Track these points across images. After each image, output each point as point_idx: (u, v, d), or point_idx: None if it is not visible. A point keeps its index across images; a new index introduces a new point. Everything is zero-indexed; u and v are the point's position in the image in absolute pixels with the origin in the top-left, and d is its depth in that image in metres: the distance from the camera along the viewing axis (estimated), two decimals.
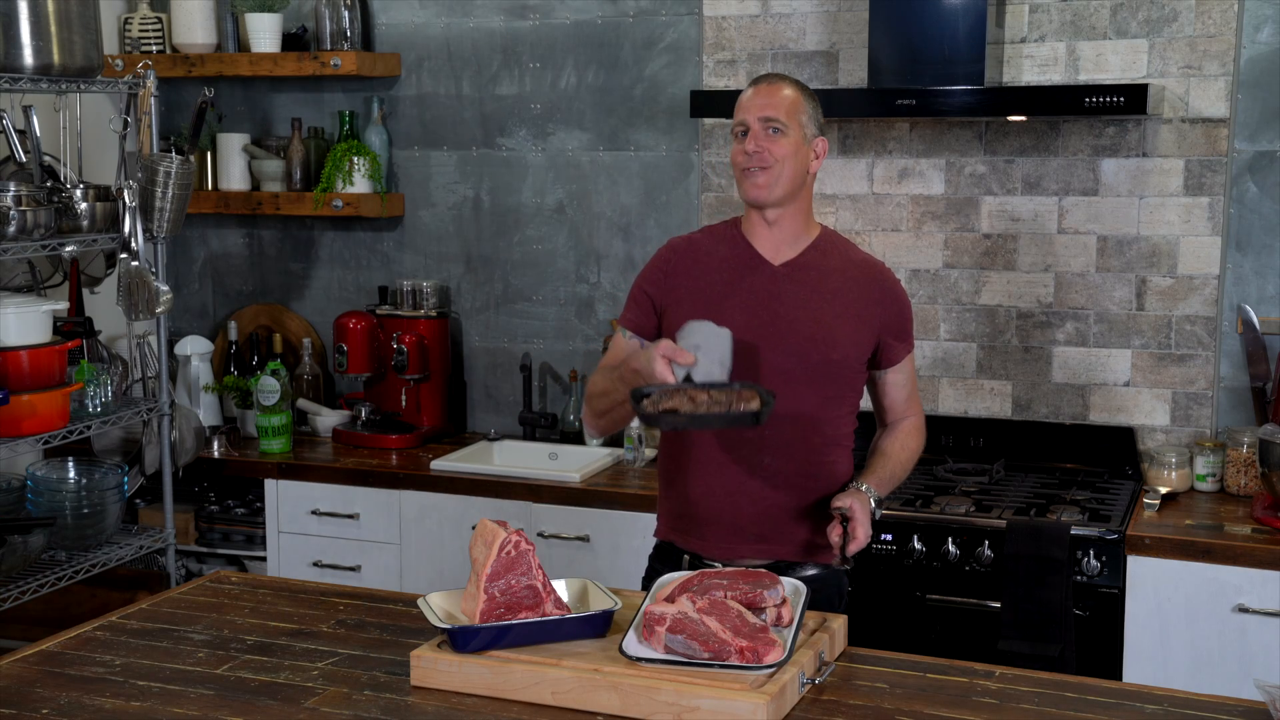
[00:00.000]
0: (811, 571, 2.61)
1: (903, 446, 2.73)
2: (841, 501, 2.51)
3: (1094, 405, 3.78)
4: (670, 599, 2.19)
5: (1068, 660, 3.16)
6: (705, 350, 2.42)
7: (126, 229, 3.54)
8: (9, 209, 3.28)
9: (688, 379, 2.39)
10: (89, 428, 3.53)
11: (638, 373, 2.46)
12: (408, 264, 4.45)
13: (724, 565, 2.55)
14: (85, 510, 3.54)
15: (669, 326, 2.62)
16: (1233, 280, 3.63)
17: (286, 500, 4.02)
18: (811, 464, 2.61)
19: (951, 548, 3.32)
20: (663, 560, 2.69)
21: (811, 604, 2.53)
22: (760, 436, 2.56)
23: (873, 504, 2.55)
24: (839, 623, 2.30)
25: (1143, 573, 3.21)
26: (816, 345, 2.57)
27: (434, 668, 2.13)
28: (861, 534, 2.49)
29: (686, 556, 2.63)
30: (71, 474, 3.59)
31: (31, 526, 3.35)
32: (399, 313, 4.25)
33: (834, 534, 2.50)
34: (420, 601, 2.24)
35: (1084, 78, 3.68)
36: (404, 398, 4.22)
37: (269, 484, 4.03)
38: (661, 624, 2.08)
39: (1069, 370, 3.79)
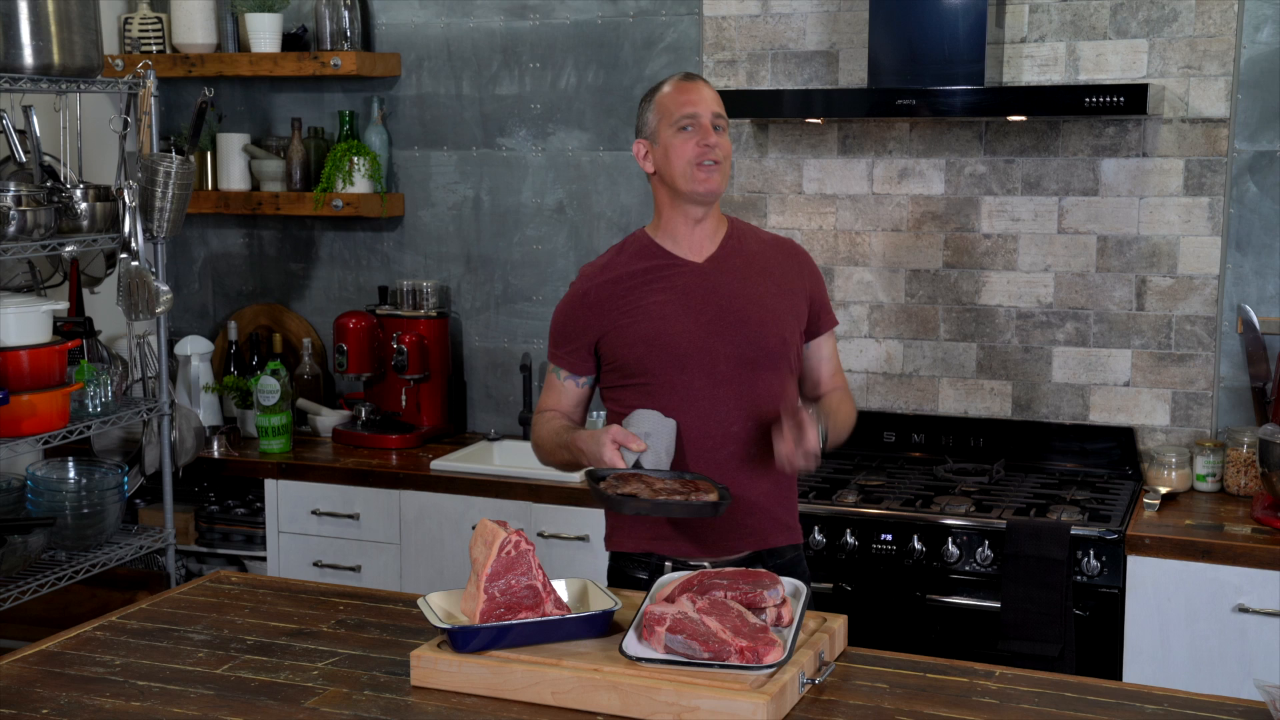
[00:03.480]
0: (790, 555, 2.66)
1: (839, 405, 2.72)
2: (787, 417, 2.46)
3: (1094, 405, 3.78)
4: (670, 599, 2.19)
5: (1068, 660, 3.16)
6: (654, 438, 2.48)
7: (126, 229, 3.54)
8: (9, 209, 3.28)
9: (636, 465, 2.44)
10: (89, 428, 3.53)
11: (584, 453, 2.50)
12: (408, 264, 4.45)
13: (711, 565, 2.55)
14: (85, 510, 3.54)
15: (611, 351, 2.61)
16: (1233, 280, 3.63)
17: (286, 500, 4.03)
18: None
19: (951, 548, 3.32)
20: (630, 572, 2.64)
21: (784, 575, 2.56)
22: (744, 430, 2.58)
23: (820, 424, 2.50)
24: (839, 623, 2.30)
25: (1143, 573, 3.21)
26: (770, 329, 2.60)
27: (434, 668, 2.13)
28: (812, 438, 2.42)
29: (669, 564, 2.60)
30: (71, 474, 3.59)
31: (31, 526, 3.35)
32: (399, 313, 4.25)
33: (785, 446, 2.43)
34: (420, 601, 2.24)
35: (1084, 78, 3.68)
36: (404, 398, 4.22)
37: (269, 484, 4.03)
38: (661, 624, 2.08)
39: (1069, 370, 3.79)
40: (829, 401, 2.74)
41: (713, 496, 2.37)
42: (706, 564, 2.57)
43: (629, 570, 2.66)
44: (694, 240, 2.63)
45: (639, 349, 2.59)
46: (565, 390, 2.69)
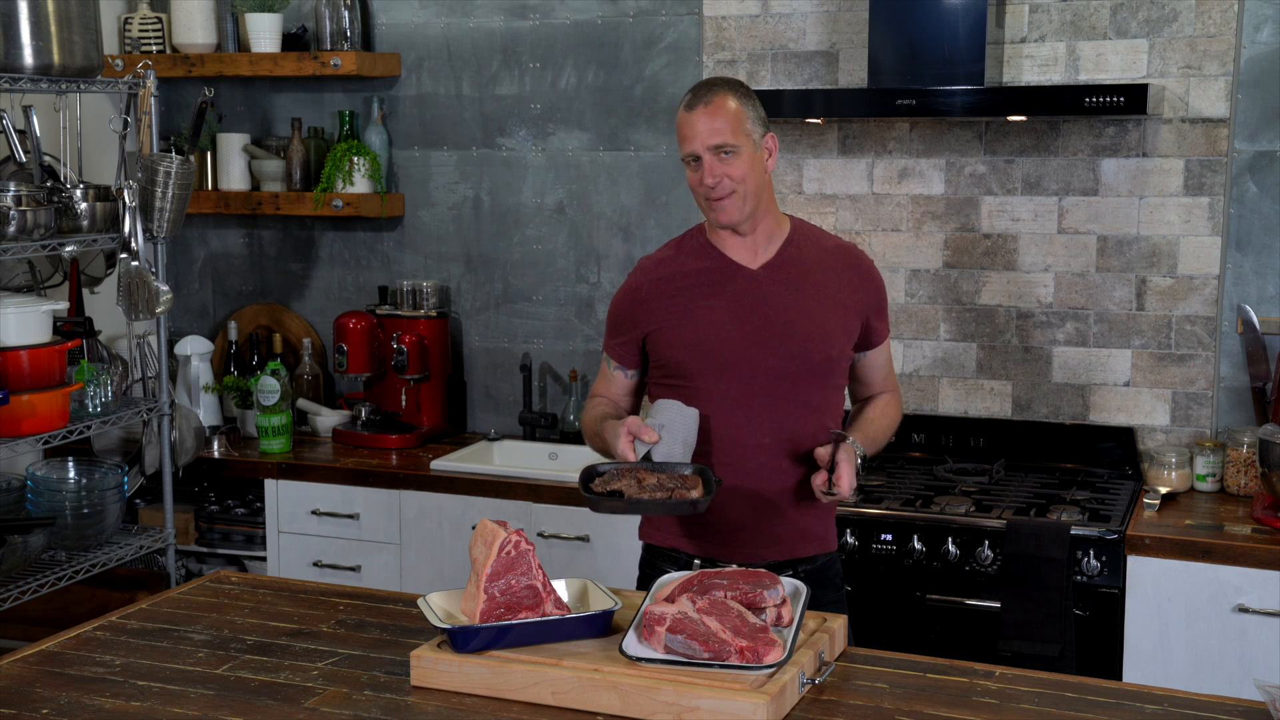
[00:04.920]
0: (822, 560, 2.65)
1: (882, 414, 2.74)
2: (826, 453, 2.51)
3: (1094, 405, 3.78)
4: (670, 599, 2.19)
5: (1068, 660, 3.16)
6: (670, 429, 2.47)
7: (126, 229, 3.54)
8: (9, 209, 3.28)
9: (647, 457, 2.44)
10: (89, 428, 3.53)
11: (608, 442, 2.52)
12: (408, 264, 4.45)
13: (740, 566, 2.55)
14: (85, 510, 3.54)
15: (656, 349, 2.63)
16: (1233, 280, 3.63)
17: (286, 500, 4.03)
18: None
19: (951, 548, 3.32)
20: (659, 564, 2.66)
21: (816, 583, 2.56)
22: (777, 442, 2.58)
23: (858, 458, 2.53)
24: (839, 623, 2.29)
25: (1143, 573, 3.21)
26: (815, 344, 2.58)
27: (434, 668, 2.13)
28: (845, 484, 2.47)
29: (698, 561, 2.61)
30: (71, 474, 3.59)
31: (31, 526, 3.35)
32: (399, 313, 4.25)
33: (819, 480, 2.49)
34: (420, 601, 2.24)
35: (1084, 78, 3.68)
36: (404, 398, 4.22)
37: (269, 484, 4.04)
38: (661, 624, 2.08)
39: (1069, 370, 3.79)
40: (871, 410, 2.73)
41: (696, 493, 2.36)
42: (735, 565, 2.56)
43: (659, 563, 2.67)
44: (746, 247, 2.62)
45: (681, 353, 2.59)
46: (615, 379, 2.72)
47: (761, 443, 2.57)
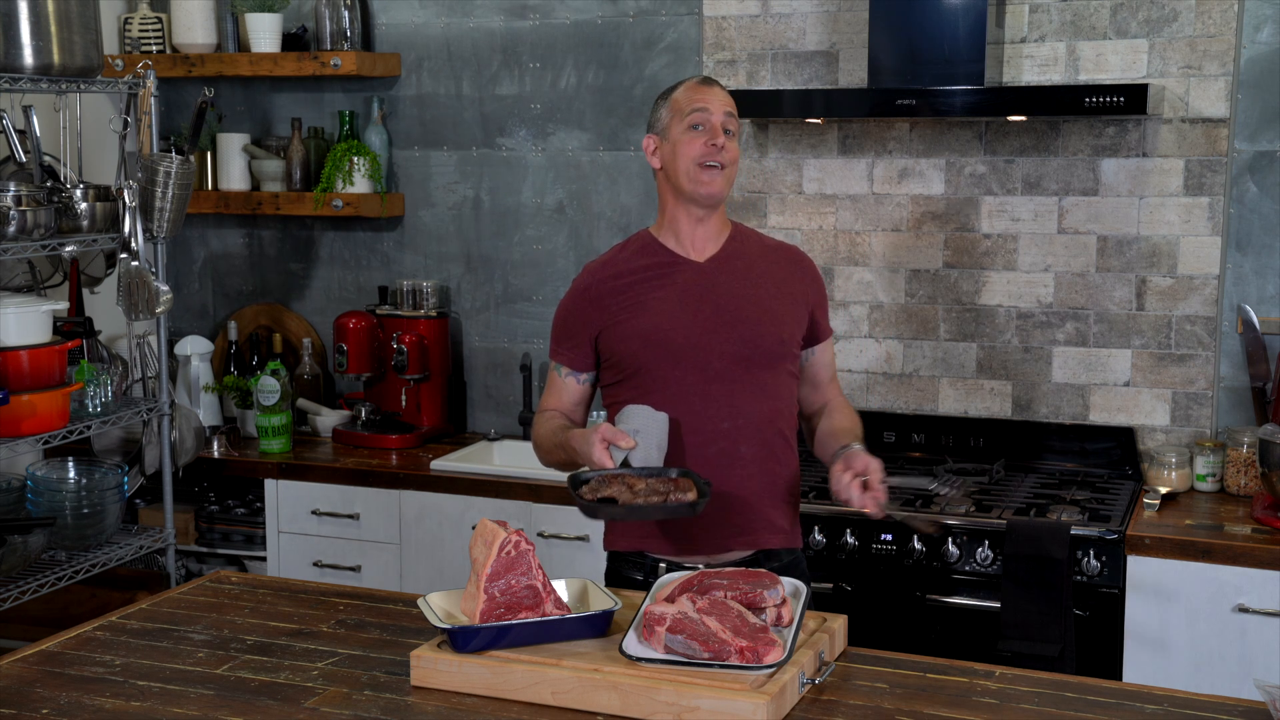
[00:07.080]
0: (787, 558, 2.65)
1: (853, 421, 2.74)
2: (859, 466, 2.49)
3: (1094, 405, 3.78)
4: (670, 599, 2.19)
5: (1068, 660, 3.16)
6: (644, 434, 2.46)
7: (126, 229, 3.54)
8: (9, 209, 3.28)
9: (625, 463, 2.43)
10: (89, 428, 3.53)
11: (576, 452, 2.50)
12: (408, 264, 4.45)
13: (705, 565, 2.55)
14: (85, 510, 3.54)
15: (609, 344, 2.62)
16: (1233, 280, 3.63)
17: (286, 500, 4.03)
18: (777, 447, 2.64)
19: (951, 548, 3.32)
20: (624, 572, 2.65)
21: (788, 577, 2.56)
22: (735, 428, 2.58)
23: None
24: (839, 623, 2.30)
25: (1143, 573, 3.22)
26: (768, 327, 2.60)
27: (434, 668, 2.13)
28: (884, 493, 2.50)
29: (663, 565, 2.61)
30: (71, 474, 3.59)
31: (31, 526, 3.35)
32: (399, 313, 4.25)
33: (869, 503, 2.47)
34: (420, 601, 2.25)
35: (1084, 78, 3.68)
36: (404, 398, 4.22)
37: (269, 484, 4.04)
38: (661, 624, 2.08)
39: (1069, 370, 3.79)
40: (843, 420, 2.72)
41: (691, 496, 2.35)
42: (700, 565, 2.56)
43: (624, 570, 2.66)
44: (696, 239, 2.64)
45: (634, 344, 2.59)
46: (566, 388, 2.70)
47: (720, 428, 2.57)
